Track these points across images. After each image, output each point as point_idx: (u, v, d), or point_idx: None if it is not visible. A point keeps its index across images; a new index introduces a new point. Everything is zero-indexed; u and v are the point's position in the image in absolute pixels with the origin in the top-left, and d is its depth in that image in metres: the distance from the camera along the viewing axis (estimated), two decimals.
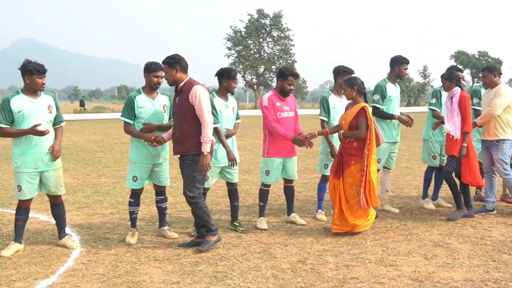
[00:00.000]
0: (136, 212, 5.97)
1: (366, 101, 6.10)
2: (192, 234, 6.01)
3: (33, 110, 5.36)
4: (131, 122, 5.76)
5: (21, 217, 5.51)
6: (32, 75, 5.30)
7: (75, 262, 5.15)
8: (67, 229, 5.97)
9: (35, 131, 5.27)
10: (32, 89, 5.38)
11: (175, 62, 5.37)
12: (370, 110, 6.04)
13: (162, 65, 5.61)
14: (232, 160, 6.00)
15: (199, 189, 5.42)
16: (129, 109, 5.75)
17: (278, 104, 6.38)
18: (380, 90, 6.99)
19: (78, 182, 9.90)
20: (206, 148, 5.25)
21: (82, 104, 51.75)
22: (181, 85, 5.41)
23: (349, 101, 6.27)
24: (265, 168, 6.47)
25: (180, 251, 5.45)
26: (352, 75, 6.41)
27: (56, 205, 5.70)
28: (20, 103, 5.32)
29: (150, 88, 5.84)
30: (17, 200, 5.59)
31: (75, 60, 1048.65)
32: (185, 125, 5.34)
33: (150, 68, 5.77)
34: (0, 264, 5.08)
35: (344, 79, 6.64)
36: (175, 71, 5.38)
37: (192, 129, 5.32)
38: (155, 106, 5.83)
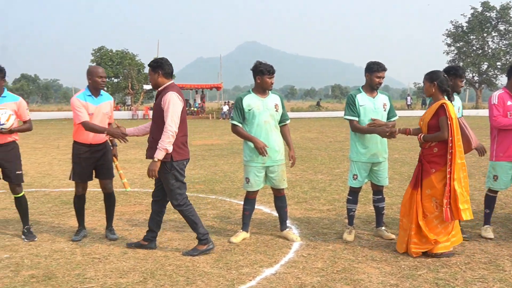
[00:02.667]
0: (354, 210, 6.01)
1: (450, 100, 5.26)
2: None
3: (261, 108, 5.73)
4: (357, 119, 5.79)
5: (248, 207, 5.94)
6: (263, 75, 5.67)
7: (296, 254, 5.38)
8: (288, 222, 6.25)
9: (257, 143, 5.61)
10: (261, 88, 5.75)
11: (158, 67, 5.32)
12: (451, 107, 5.16)
13: (384, 67, 5.59)
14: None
15: (181, 195, 5.32)
16: (353, 108, 5.79)
17: (509, 103, 5.86)
18: None
19: (296, 178, 10.33)
20: (158, 155, 5.11)
21: (318, 104, 58.10)
22: (159, 89, 5.34)
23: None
24: (493, 172, 5.98)
25: (398, 253, 5.33)
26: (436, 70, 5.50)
27: (279, 198, 6.01)
28: (250, 101, 5.73)
29: (371, 88, 5.82)
30: (244, 191, 6.04)
31: (292, 60, 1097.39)
32: (157, 130, 5.25)
33: (373, 69, 5.75)
34: (230, 249, 5.54)
35: None
36: (157, 75, 5.32)
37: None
38: (375, 105, 5.80)
